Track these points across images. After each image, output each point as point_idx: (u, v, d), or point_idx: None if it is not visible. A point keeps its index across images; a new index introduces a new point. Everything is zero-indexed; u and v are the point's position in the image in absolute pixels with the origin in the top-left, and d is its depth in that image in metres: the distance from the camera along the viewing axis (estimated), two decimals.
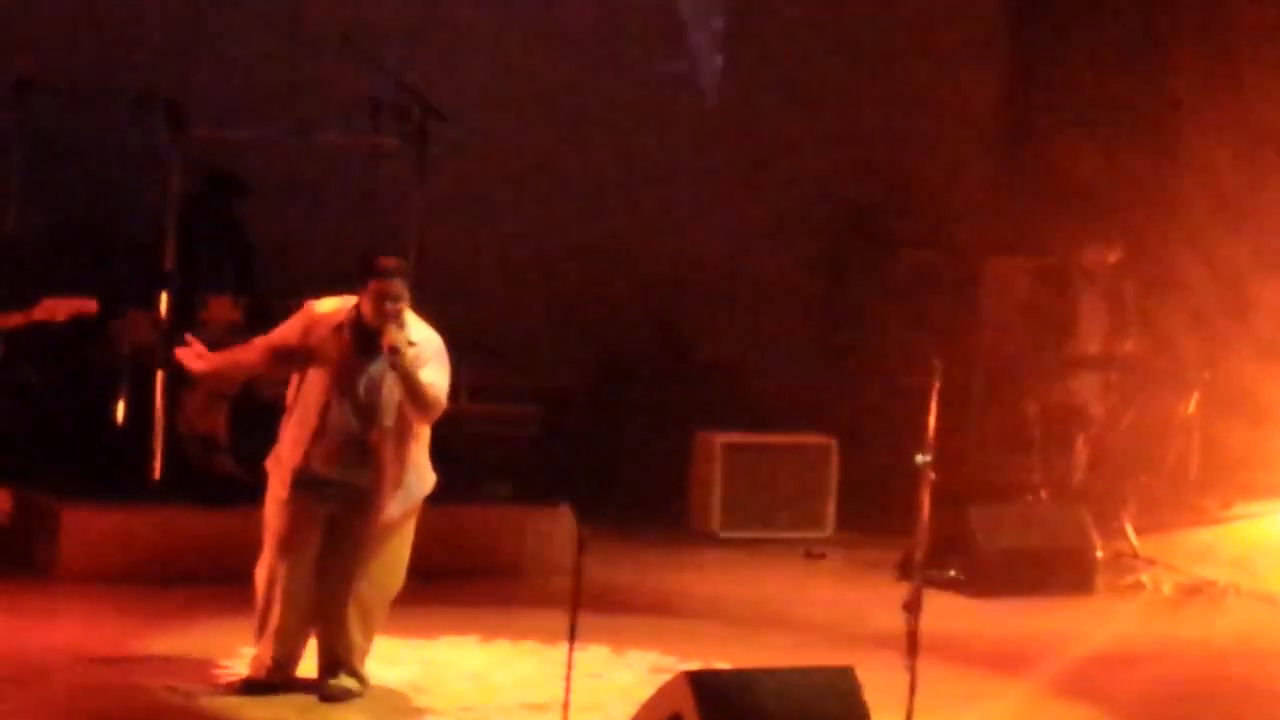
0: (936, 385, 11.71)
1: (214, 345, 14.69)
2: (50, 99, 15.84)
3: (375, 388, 11.88)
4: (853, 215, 18.29)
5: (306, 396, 11.95)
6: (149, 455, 14.79)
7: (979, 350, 16.27)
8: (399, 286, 11.82)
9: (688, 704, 11.13)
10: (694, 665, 11.77)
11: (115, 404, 15.06)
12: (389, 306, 11.78)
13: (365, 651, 12.13)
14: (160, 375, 14.75)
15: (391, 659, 12.64)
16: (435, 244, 15.27)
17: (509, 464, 15.18)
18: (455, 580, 12.83)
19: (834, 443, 16.35)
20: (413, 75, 15.62)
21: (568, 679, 11.10)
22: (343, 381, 11.88)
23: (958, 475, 13.81)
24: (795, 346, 17.92)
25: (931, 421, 11.71)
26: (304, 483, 12.00)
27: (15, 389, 14.91)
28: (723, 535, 16.11)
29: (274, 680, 12.00)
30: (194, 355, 11.99)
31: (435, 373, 11.89)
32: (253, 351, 12.16)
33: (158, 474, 14.76)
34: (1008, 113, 18.47)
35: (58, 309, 13.33)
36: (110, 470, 14.89)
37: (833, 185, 18.22)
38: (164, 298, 14.76)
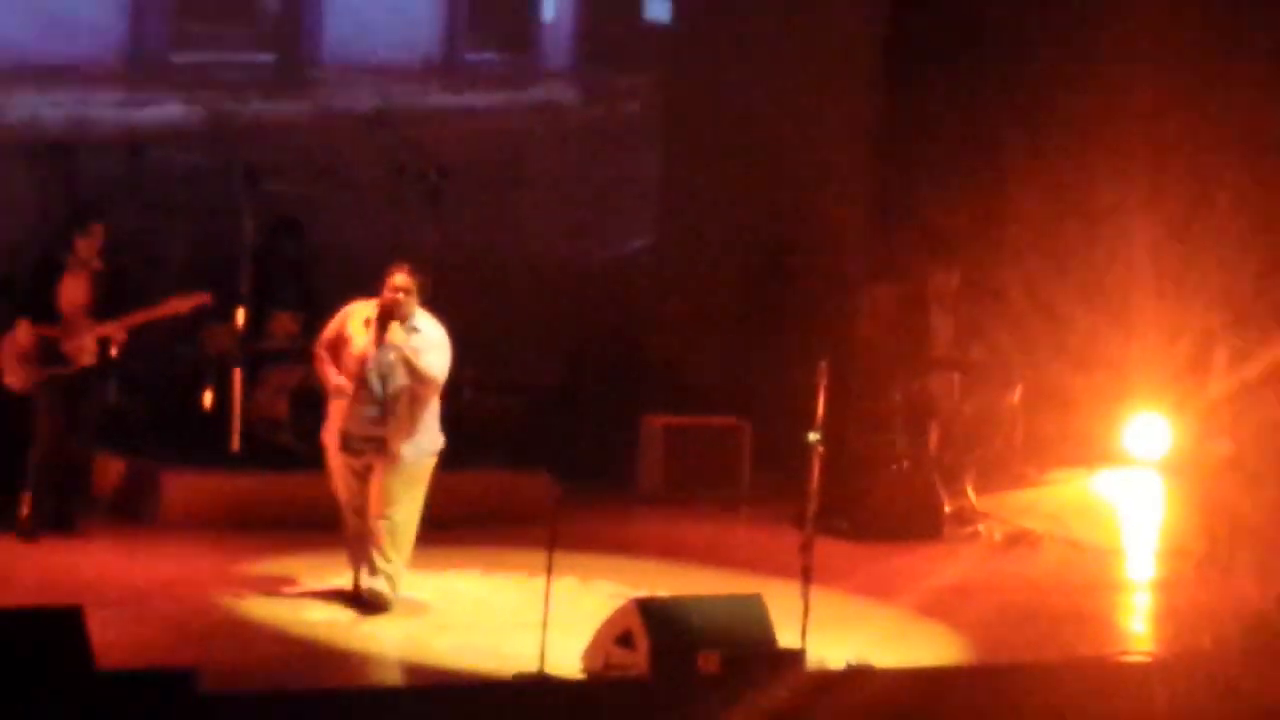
0: (824, 381, 11.74)
1: (278, 352, 14.86)
2: (161, 165, 15.90)
3: (390, 361, 12.08)
4: (765, 252, 18.28)
5: (345, 374, 12.11)
6: (228, 432, 14.79)
7: (857, 354, 16.23)
8: (404, 278, 12.07)
9: (636, 623, 11.19)
10: (641, 593, 11.76)
11: (203, 394, 15.03)
12: (394, 294, 12.03)
13: (398, 574, 12.18)
14: (238, 372, 14.77)
15: (415, 586, 12.68)
16: (448, 279, 15.34)
17: (502, 440, 15.16)
18: (462, 528, 12.87)
19: (748, 424, 16.35)
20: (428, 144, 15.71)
21: (546, 603, 11.13)
22: (369, 358, 12.07)
23: (840, 450, 13.81)
24: (720, 349, 17.89)
25: (820, 408, 11.73)
26: (347, 443, 12.15)
27: (123, 385, 14.88)
28: (663, 495, 16.08)
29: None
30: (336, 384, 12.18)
31: (433, 356, 12.16)
32: (326, 352, 12.31)
33: (235, 447, 14.75)
34: (878, 174, 18.47)
35: (181, 304, 13.44)
36: (199, 444, 14.86)
37: (750, 230, 18.20)
38: (240, 313, 14.76)
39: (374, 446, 12.25)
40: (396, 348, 12.16)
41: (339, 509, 12.39)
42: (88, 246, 13.34)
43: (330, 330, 12.35)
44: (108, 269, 13.38)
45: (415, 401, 12.24)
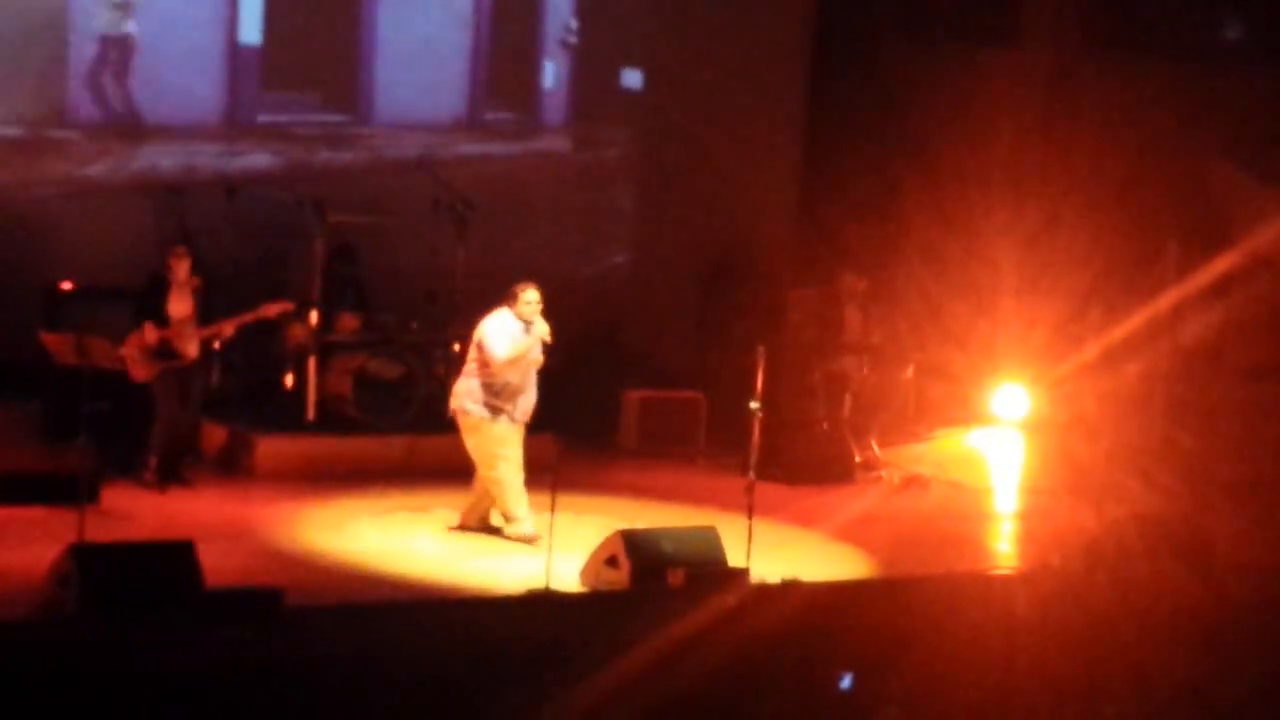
0: (762, 362, 11.79)
1: (342, 344, 14.82)
2: (251, 202, 15.85)
3: (538, 353, 12.26)
4: (716, 264, 18.28)
5: (521, 368, 12.19)
6: (305, 405, 14.75)
7: (787, 342, 16.26)
8: (533, 291, 12.24)
9: (620, 548, 11.25)
10: (623, 525, 11.78)
11: (286, 375, 15.01)
12: (529, 306, 12.15)
13: None
14: (312, 359, 14.75)
15: (451, 521, 12.72)
16: (469, 284, 15.33)
17: None
18: None
19: (703, 396, 16.35)
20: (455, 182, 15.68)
21: (550, 533, 11.17)
22: (534, 351, 12.25)
23: (775, 415, 13.84)
24: (681, 339, 17.89)
25: (759, 383, 11.78)
26: (529, 418, 12.20)
27: (224, 369, 14.88)
28: (639, 451, 16.07)
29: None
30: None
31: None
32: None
33: (310, 417, 14.73)
34: (803, 203, 18.48)
35: (271, 309, 13.49)
36: (283, 414, 14.82)
37: (704, 247, 18.20)
38: (313, 314, 14.77)
39: (527, 410, 12.33)
40: (544, 339, 12.28)
41: (501, 470, 12.24)
42: (180, 267, 13.39)
43: (509, 340, 12.24)
44: (202, 284, 13.44)
45: None
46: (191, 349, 13.35)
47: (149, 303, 13.37)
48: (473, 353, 12.36)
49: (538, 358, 12.35)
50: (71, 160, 15.70)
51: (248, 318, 13.52)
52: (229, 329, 13.45)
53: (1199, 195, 17.43)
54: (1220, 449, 15.85)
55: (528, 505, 12.20)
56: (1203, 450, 15.66)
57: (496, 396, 12.21)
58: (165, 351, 13.30)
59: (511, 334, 12.20)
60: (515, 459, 12.24)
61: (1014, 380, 17.96)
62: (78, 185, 15.74)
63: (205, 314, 13.40)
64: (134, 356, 13.20)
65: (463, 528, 12.51)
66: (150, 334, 13.24)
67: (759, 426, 11.86)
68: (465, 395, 12.31)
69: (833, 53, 18.46)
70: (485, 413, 12.22)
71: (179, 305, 13.36)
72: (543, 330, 12.25)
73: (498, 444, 12.20)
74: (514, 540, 12.25)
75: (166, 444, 13.37)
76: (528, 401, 12.32)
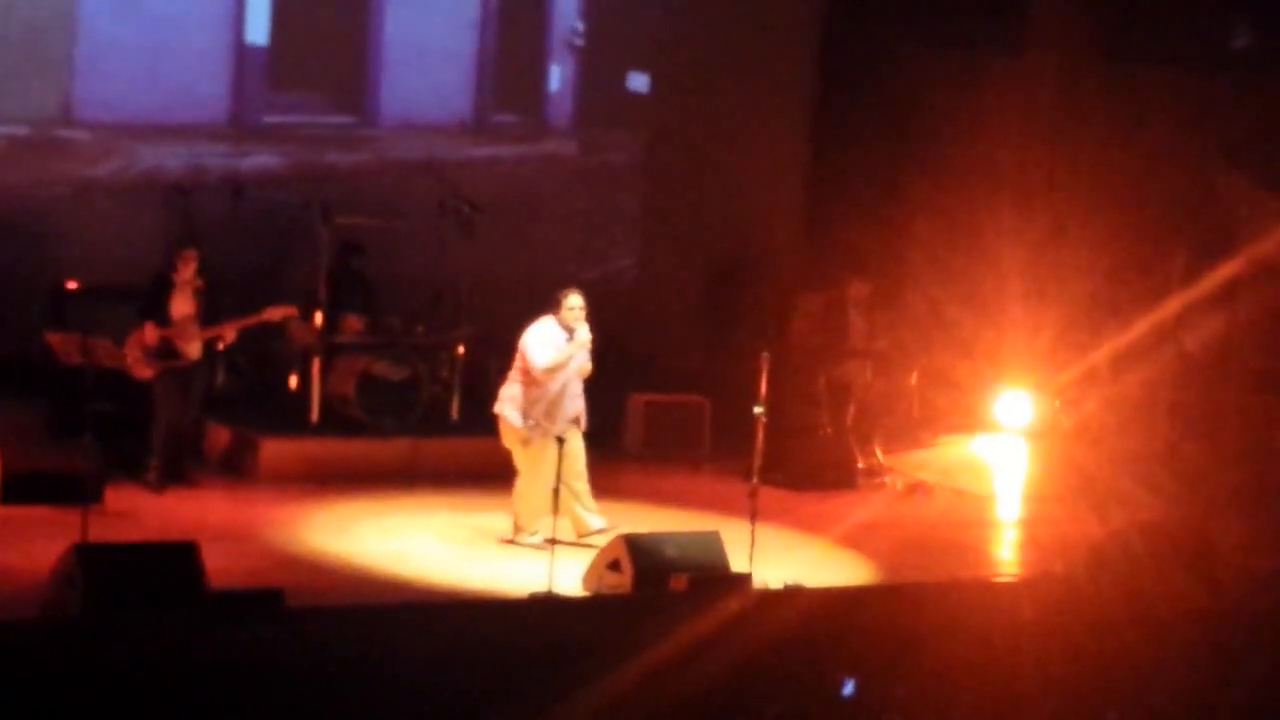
0: (766, 367, 11.77)
1: (347, 345, 14.82)
2: (257, 203, 15.85)
3: (582, 358, 12.24)
4: (721, 268, 18.28)
5: (550, 376, 12.11)
6: (309, 407, 14.75)
7: (792, 347, 16.23)
8: (577, 296, 12.14)
9: (623, 553, 11.23)
10: (626, 530, 11.75)
11: (290, 377, 15.01)
12: (573, 313, 12.11)
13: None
14: (316, 360, 14.75)
15: (455, 525, 12.70)
16: (477, 291, 15.32)
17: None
18: (490, 482, 12.86)
19: (708, 401, 16.32)
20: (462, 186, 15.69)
21: (553, 534, 11.14)
22: (575, 358, 12.22)
23: (779, 420, 13.81)
24: (687, 343, 17.87)
25: (764, 388, 11.76)
26: (564, 423, 12.11)
27: (228, 370, 14.90)
28: (643, 454, 16.03)
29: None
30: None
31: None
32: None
33: (314, 418, 14.72)
34: (809, 208, 18.47)
35: (274, 313, 13.51)
36: (287, 416, 14.82)
37: (709, 251, 18.20)
38: (318, 315, 14.76)
39: (574, 421, 12.24)
40: (587, 347, 12.24)
41: (530, 478, 12.19)
42: (186, 268, 13.40)
43: (552, 349, 12.21)
44: (205, 285, 13.44)
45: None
46: (193, 349, 13.34)
47: (151, 302, 13.37)
48: (516, 361, 12.34)
49: (584, 364, 12.32)
50: (78, 160, 15.70)
51: (250, 321, 13.53)
52: (231, 332, 13.45)
53: (1205, 202, 17.39)
54: (1225, 456, 15.80)
55: (544, 519, 12.12)
56: (1207, 457, 15.63)
57: (533, 405, 12.19)
58: (166, 351, 13.30)
59: (554, 342, 12.19)
60: (545, 470, 12.13)
61: (1018, 387, 17.92)
62: (84, 185, 15.74)
63: (210, 315, 13.41)
64: (135, 356, 13.20)
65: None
66: (151, 333, 13.24)
67: (763, 431, 11.83)
68: (507, 401, 12.34)
69: (839, 58, 18.45)
70: (520, 421, 12.20)
71: (181, 305, 13.37)
72: (586, 337, 12.22)
73: (527, 453, 12.17)
74: (524, 546, 12.21)
75: (167, 444, 13.36)
76: (570, 410, 12.24)
